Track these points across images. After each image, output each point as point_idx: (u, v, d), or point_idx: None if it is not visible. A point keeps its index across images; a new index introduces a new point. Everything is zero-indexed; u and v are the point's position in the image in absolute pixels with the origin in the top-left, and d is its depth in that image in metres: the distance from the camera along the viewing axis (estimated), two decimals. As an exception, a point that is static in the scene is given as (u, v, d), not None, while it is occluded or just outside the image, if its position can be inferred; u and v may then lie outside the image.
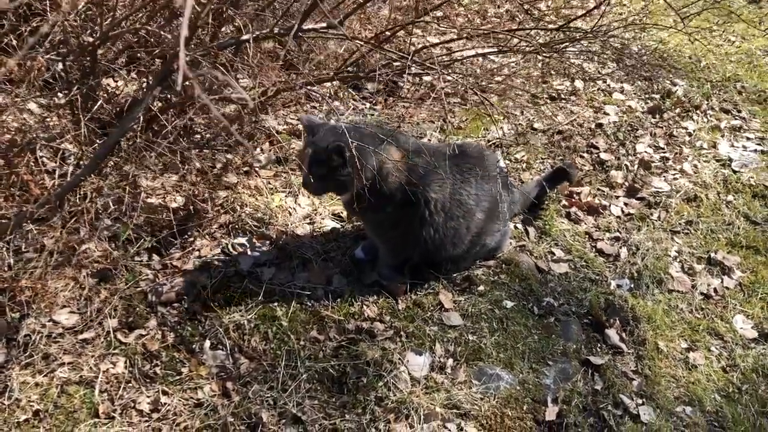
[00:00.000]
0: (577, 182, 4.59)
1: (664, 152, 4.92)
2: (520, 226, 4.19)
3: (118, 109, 3.48)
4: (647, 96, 5.49)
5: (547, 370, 3.39)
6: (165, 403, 3.02)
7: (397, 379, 3.19)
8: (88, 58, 3.09)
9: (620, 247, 4.13)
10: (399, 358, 3.28)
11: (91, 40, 3.12)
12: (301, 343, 3.30)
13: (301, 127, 3.15)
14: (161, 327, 3.28)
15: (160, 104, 3.44)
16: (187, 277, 3.47)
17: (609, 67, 5.73)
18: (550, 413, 3.21)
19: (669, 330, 3.65)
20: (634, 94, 5.54)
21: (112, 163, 3.46)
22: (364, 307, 3.51)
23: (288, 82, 3.36)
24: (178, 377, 3.12)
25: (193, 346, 3.24)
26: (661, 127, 5.14)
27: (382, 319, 3.48)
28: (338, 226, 3.99)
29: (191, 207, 3.59)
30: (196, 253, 3.60)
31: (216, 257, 3.60)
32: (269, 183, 4.01)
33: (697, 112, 5.31)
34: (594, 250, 4.12)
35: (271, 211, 3.88)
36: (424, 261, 3.61)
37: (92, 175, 3.20)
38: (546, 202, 4.35)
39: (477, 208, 3.56)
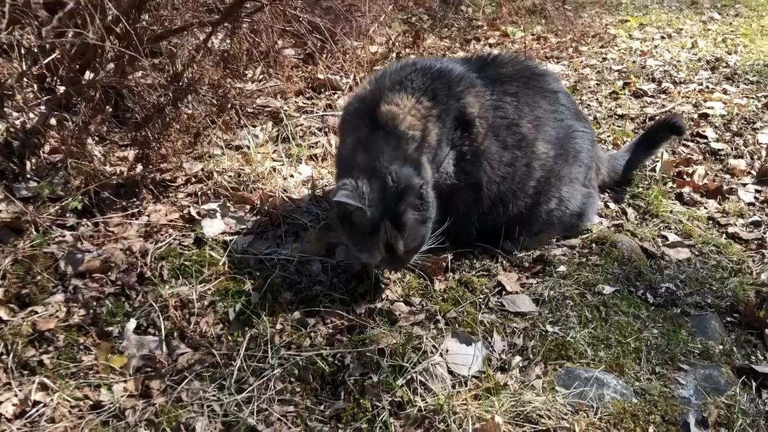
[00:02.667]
0: (686, 160, 3.36)
1: (798, 140, 3.67)
2: (612, 205, 2.95)
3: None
4: (758, 96, 4.31)
5: (681, 377, 2.04)
6: (40, 404, 1.82)
7: (428, 377, 1.91)
8: None
9: (764, 232, 2.82)
10: (433, 347, 2.00)
11: None
12: (278, 326, 2.08)
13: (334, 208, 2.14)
14: (68, 303, 2.14)
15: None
16: (122, 243, 2.36)
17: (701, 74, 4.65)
18: (698, 441, 1.83)
19: None
20: (741, 93, 4.37)
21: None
22: (382, 285, 2.29)
23: None
24: (73, 369, 1.94)
25: (109, 328, 2.06)
26: (787, 121, 3.92)
27: (409, 301, 2.24)
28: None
29: (144, 165, 2.56)
30: (145, 219, 2.50)
31: (171, 222, 2.49)
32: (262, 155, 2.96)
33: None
34: (725, 235, 2.81)
35: (258, 175, 2.79)
36: (477, 227, 2.44)
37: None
38: (646, 175, 3.13)
39: (538, 136, 2.42)
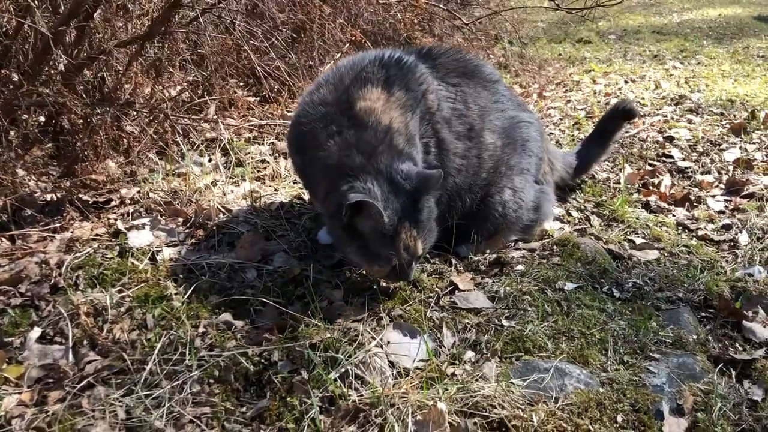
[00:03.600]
0: (651, 172, 3.23)
1: (766, 155, 3.57)
2: (575, 213, 2.79)
3: None
4: (723, 124, 4.25)
5: (653, 366, 1.83)
6: None
7: (365, 370, 1.68)
8: None
9: (736, 234, 2.66)
10: (372, 338, 1.79)
11: None
12: (200, 330, 1.86)
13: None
14: (-34, 316, 1.91)
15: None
16: (39, 257, 2.16)
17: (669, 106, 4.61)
18: (673, 429, 1.61)
19: None
20: (706, 122, 4.31)
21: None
22: (322, 287, 2.09)
23: None
24: (-42, 380, 1.70)
25: (9, 339, 1.83)
26: (754, 143, 3.84)
27: (350, 301, 2.03)
28: (290, 200, 2.69)
29: (70, 178, 2.39)
30: (68, 234, 2.31)
31: (97, 237, 2.30)
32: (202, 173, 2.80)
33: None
34: (695, 238, 2.65)
35: (195, 192, 2.62)
36: None
37: None
38: (610, 187, 2.99)
39: (484, 126, 2.31)
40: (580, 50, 7.37)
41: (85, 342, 1.85)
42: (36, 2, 2.24)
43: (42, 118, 2.46)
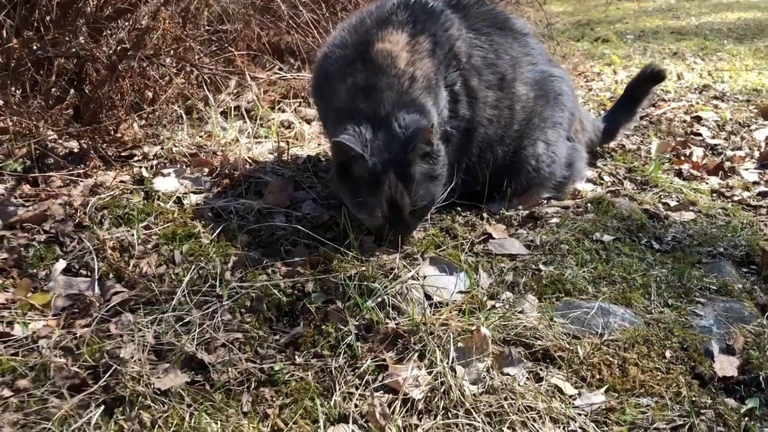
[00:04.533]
0: (683, 143, 3.17)
1: (797, 136, 3.50)
2: (607, 177, 2.73)
3: None
4: (750, 108, 4.18)
5: (699, 309, 1.75)
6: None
7: (402, 300, 1.62)
8: None
9: (774, 200, 2.59)
10: (408, 272, 1.72)
11: None
12: (229, 264, 1.80)
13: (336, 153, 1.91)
14: (-11, 249, 1.86)
15: None
16: (62, 198, 2.12)
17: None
18: (725, 366, 1.54)
19: None
20: (732, 108, 4.24)
21: None
22: (353, 232, 2.03)
23: None
24: (-18, 305, 1.65)
25: (34, 270, 1.79)
26: (783, 126, 3.76)
27: (382, 245, 1.97)
28: (317, 155, 2.63)
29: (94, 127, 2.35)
30: (91, 181, 2.26)
31: (121, 183, 2.26)
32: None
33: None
34: (731, 203, 2.58)
35: (221, 144, 2.57)
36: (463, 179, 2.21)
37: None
38: (641, 156, 2.92)
39: (516, 76, 2.25)
40: (599, 48, 7.31)
41: (111, 275, 1.80)
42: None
43: (70, 67, 2.42)
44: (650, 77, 2.82)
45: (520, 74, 2.27)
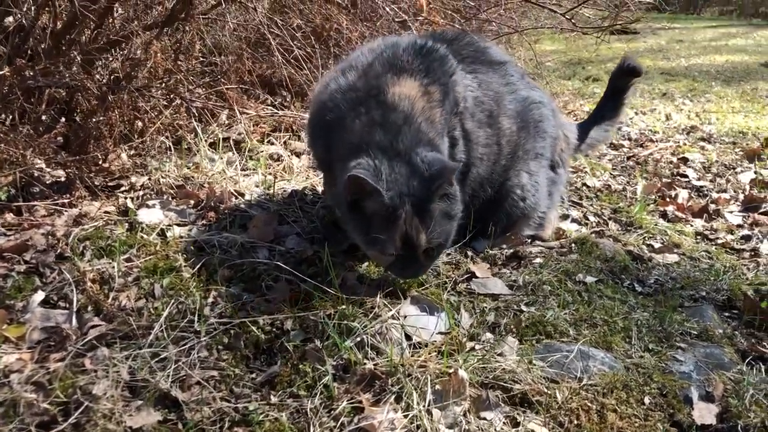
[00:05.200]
0: (668, 185, 3.20)
1: (782, 179, 3.54)
2: (592, 218, 2.74)
3: None
4: (735, 151, 4.23)
5: (679, 355, 1.75)
6: None
7: (382, 340, 1.61)
8: None
9: (757, 244, 2.61)
10: (388, 311, 1.72)
11: None
12: (209, 300, 1.79)
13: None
14: (-34, 280, 1.85)
15: None
16: (45, 228, 2.11)
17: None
18: (704, 414, 1.53)
19: None
20: (719, 150, 4.29)
21: None
22: (336, 269, 2.02)
23: None
24: (-45, 338, 1.63)
25: (12, 301, 1.77)
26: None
27: (365, 282, 1.97)
28: (303, 189, 2.64)
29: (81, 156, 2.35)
30: (76, 211, 2.26)
31: (106, 214, 2.25)
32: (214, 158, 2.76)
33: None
34: (715, 246, 2.59)
35: (208, 176, 2.58)
36: None
37: None
38: (626, 196, 2.93)
39: (500, 111, 2.26)
40: (589, 86, 7.40)
41: (89, 308, 1.78)
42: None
43: (60, 96, 2.43)
44: (628, 71, 2.78)
45: (504, 108, 2.27)
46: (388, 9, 3.88)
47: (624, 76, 2.79)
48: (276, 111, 3.17)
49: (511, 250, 2.28)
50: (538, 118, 2.36)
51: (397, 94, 1.97)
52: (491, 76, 2.28)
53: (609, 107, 2.86)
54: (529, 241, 2.37)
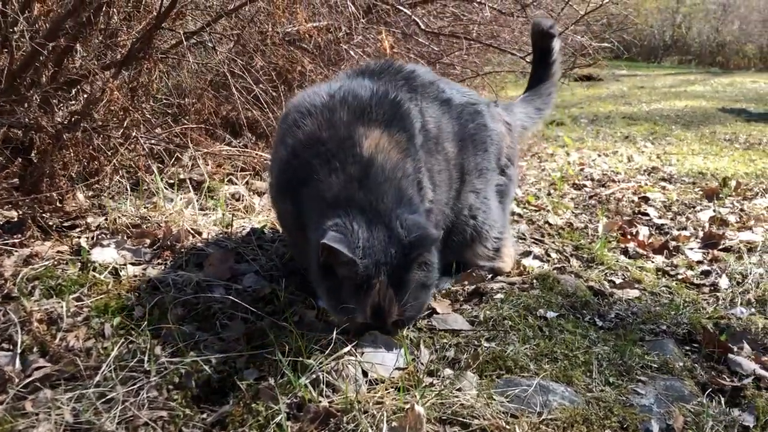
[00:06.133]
0: (629, 222, 3.23)
1: (740, 217, 3.60)
2: (554, 255, 2.75)
3: None
4: (695, 190, 4.32)
5: (640, 388, 1.74)
6: None
7: (338, 376, 1.57)
8: None
9: (716, 279, 2.63)
10: (344, 347, 1.68)
11: None
12: (160, 340, 1.74)
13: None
14: None
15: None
16: (-8, 269, 2.05)
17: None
18: (664, 446, 1.50)
19: None
20: (679, 189, 4.37)
21: None
22: (294, 306, 1.99)
23: None
24: None
25: (-49, 343, 1.70)
26: (727, 207, 3.88)
27: (323, 320, 1.93)
28: (263, 227, 2.60)
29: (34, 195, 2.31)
30: (27, 251, 2.20)
31: (58, 254, 2.20)
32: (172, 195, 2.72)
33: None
34: (675, 281, 2.61)
35: (166, 216, 2.54)
36: None
37: None
38: (588, 234, 2.95)
39: (441, 135, 2.18)
40: (553, 130, 7.54)
41: (35, 349, 1.71)
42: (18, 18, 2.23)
43: (17, 134, 2.39)
44: (545, 32, 2.77)
45: (444, 133, 2.19)
46: (352, 53, 3.93)
47: (544, 38, 2.77)
48: (239, 152, 3.15)
49: (473, 287, 2.27)
50: (474, 131, 2.28)
51: (372, 146, 1.87)
52: (428, 100, 2.20)
53: (542, 71, 2.84)
54: (490, 276, 2.36)
